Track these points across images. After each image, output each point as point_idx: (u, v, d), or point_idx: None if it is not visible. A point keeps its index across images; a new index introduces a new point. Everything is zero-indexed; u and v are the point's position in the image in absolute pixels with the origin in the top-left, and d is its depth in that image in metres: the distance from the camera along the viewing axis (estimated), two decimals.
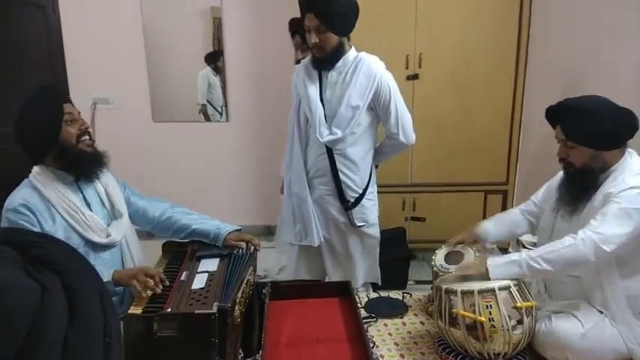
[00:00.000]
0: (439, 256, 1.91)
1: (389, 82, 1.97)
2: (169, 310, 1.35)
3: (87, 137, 1.65)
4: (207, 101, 3.95)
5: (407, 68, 3.11)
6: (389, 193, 3.15)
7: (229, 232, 1.74)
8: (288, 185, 2.10)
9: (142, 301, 1.41)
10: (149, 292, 1.42)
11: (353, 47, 2.01)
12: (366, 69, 1.94)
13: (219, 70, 3.87)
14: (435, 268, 1.86)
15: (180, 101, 3.89)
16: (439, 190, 3.34)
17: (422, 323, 1.83)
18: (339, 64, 1.97)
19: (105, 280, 1.49)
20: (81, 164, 1.63)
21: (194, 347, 1.33)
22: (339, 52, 1.95)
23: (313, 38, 1.88)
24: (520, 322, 1.47)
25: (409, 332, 1.78)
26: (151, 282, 1.43)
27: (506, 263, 1.52)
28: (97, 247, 1.62)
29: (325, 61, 1.96)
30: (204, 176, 3.92)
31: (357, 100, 1.93)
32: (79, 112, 1.66)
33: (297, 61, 2.39)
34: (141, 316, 1.33)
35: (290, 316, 1.72)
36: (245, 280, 1.53)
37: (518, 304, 1.46)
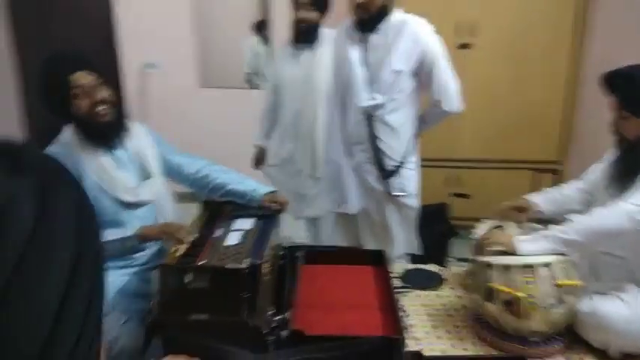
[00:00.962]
0: (480, 231, 1.84)
1: (435, 46, 1.88)
2: (202, 263, 1.38)
3: (102, 107, 1.59)
4: (253, 70, 3.96)
5: (458, 36, 2.97)
6: (432, 167, 3.06)
7: (265, 194, 1.74)
8: (326, 151, 2.07)
9: (176, 253, 1.44)
10: (180, 246, 1.45)
11: (399, 9, 1.92)
12: (412, 32, 1.85)
13: (266, 39, 3.86)
14: (474, 242, 1.80)
15: (227, 68, 3.93)
16: (486, 166, 3.22)
17: (458, 297, 1.78)
18: (383, 26, 1.89)
19: (128, 234, 1.54)
20: (96, 134, 1.62)
21: (225, 300, 1.35)
22: (383, 14, 1.87)
23: None
24: (561, 301, 1.40)
25: (444, 305, 1.74)
26: (181, 232, 1.46)
27: (534, 237, 1.46)
28: (127, 205, 1.65)
29: (369, 22, 1.88)
30: (246, 141, 3.96)
31: (400, 65, 1.86)
32: (95, 79, 1.58)
33: (298, 21, 2.34)
34: (174, 267, 1.36)
35: (322, 280, 1.72)
36: (273, 239, 1.54)
37: (560, 282, 1.39)
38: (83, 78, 1.56)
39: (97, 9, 3.73)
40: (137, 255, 1.70)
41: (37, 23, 3.60)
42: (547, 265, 1.41)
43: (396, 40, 1.87)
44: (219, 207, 1.76)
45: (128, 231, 1.55)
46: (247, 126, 3.94)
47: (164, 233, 1.51)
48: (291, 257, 1.73)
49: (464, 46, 2.99)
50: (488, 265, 1.48)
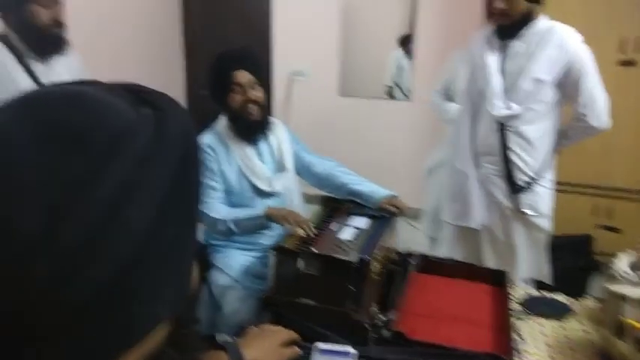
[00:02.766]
0: (623, 261, 1.63)
1: (583, 55, 1.74)
2: (314, 250, 1.46)
3: (252, 106, 1.78)
4: (395, 83, 4.01)
5: (622, 52, 2.68)
6: (578, 193, 2.79)
7: (384, 197, 1.78)
8: (452, 161, 2.03)
9: (294, 238, 1.55)
10: (298, 233, 1.55)
11: (544, 16, 1.82)
12: (558, 40, 1.74)
13: (410, 53, 3.89)
14: (613, 273, 1.61)
15: (368, 79, 4.04)
16: None
17: (585, 332, 1.60)
18: (526, 33, 1.80)
19: (258, 213, 1.70)
20: (242, 128, 1.82)
21: (332, 290, 1.41)
22: (526, 20, 1.78)
23: (498, 3, 1.76)
24: None
25: (567, 337, 1.58)
26: (300, 230, 1.55)
27: None
28: (261, 193, 1.84)
29: (510, 29, 1.81)
30: (381, 151, 4.02)
31: (542, 74, 1.75)
32: (253, 80, 1.78)
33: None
34: (290, 250, 1.46)
35: (434, 290, 1.68)
36: (385, 241, 1.56)
37: None
38: (243, 77, 1.78)
39: (257, 18, 4.16)
40: (262, 240, 1.85)
41: (202, 28, 4.23)
42: None
43: (539, 48, 1.77)
44: (339, 204, 1.84)
45: (259, 210, 1.71)
46: (381, 134, 4.05)
47: (287, 219, 1.63)
48: (404, 263, 1.73)
49: (627, 63, 2.68)
50: (622, 297, 1.32)
